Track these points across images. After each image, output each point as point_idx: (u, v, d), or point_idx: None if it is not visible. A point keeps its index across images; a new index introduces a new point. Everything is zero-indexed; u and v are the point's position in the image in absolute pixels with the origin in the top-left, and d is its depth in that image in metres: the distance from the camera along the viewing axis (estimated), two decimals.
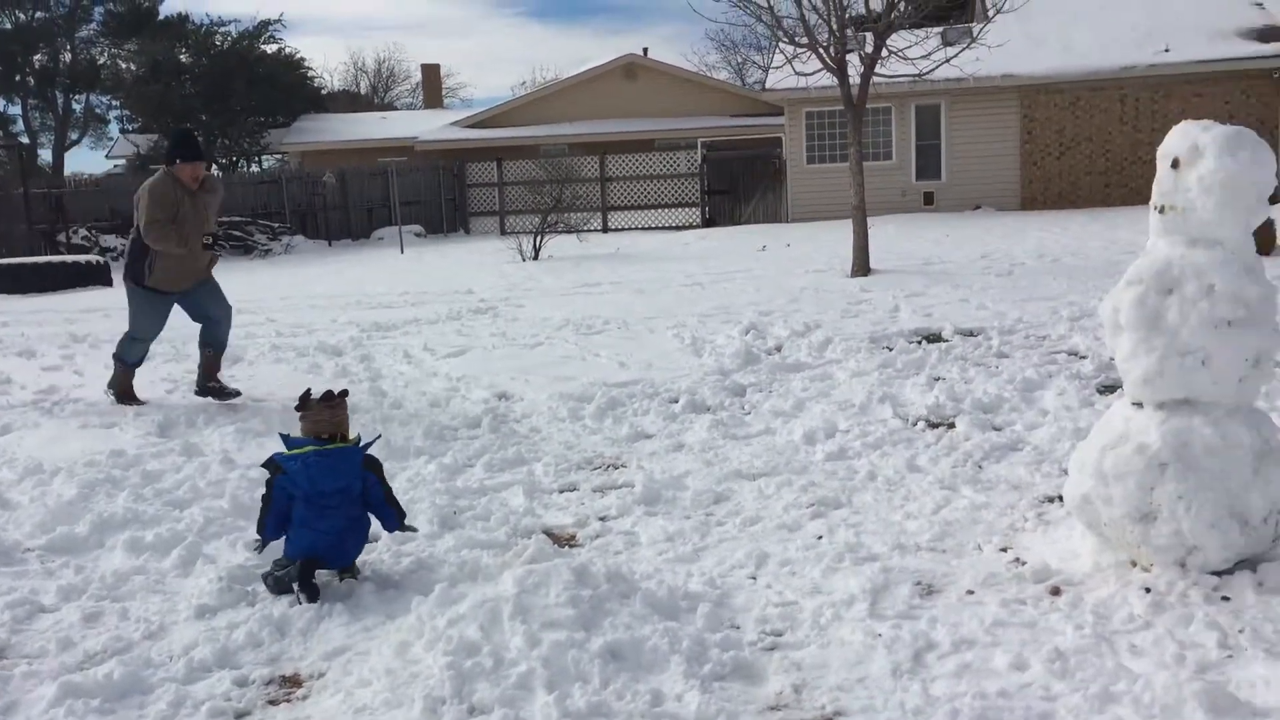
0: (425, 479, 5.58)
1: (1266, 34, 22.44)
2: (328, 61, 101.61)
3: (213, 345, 7.46)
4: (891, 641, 3.48)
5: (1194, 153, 3.75)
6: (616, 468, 5.83)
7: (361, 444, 4.37)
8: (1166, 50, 22.25)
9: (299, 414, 4.32)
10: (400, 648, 3.57)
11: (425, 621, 3.66)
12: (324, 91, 45.01)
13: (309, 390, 4.41)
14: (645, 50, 33.81)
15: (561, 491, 5.45)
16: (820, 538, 4.53)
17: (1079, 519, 4.10)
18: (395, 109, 50.65)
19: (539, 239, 19.37)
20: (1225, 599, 3.61)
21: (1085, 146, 22.96)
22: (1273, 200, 3.98)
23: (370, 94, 56.54)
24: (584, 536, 4.77)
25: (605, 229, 25.54)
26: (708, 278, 14.37)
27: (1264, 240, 13.04)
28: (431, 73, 44.64)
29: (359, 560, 4.34)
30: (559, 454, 6.10)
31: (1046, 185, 23.21)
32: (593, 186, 25.60)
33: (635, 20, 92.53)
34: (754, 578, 4.17)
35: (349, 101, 49.80)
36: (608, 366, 8.48)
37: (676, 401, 7.08)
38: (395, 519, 4.39)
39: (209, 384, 7.45)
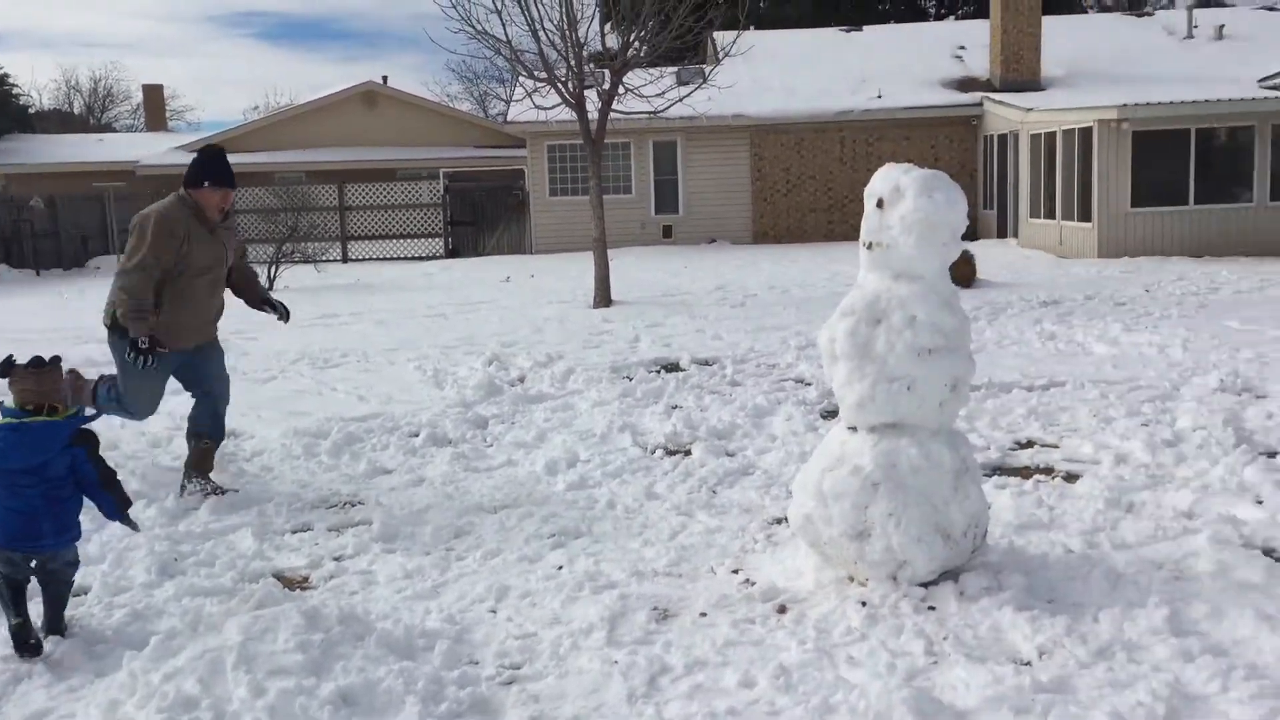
0: (143, 524, 5.23)
1: (965, 84, 24.54)
2: (36, 78, 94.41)
3: (209, 434, 5.87)
4: (628, 667, 3.53)
5: (895, 194, 4.04)
6: (353, 505, 5.66)
7: (77, 415, 3.95)
8: (879, 96, 23.93)
9: (6, 381, 3.90)
10: (109, 708, 3.32)
11: (138, 677, 3.42)
12: (31, 110, 41.78)
13: (11, 356, 3.99)
14: (385, 79, 33.28)
15: (295, 532, 5.24)
16: (560, 568, 4.55)
17: (802, 538, 4.30)
18: (114, 130, 47.63)
19: (274, 269, 18.66)
20: (931, 608, 3.87)
21: (810, 184, 24.32)
22: (970, 237, 4.34)
23: (85, 114, 52.94)
24: (318, 578, 4.60)
25: (345, 259, 24.89)
26: (451, 308, 14.26)
27: (966, 274, 14.20)
28: (154, 93, 42.33)
29: (66, 615, 4.00)
30: (292, 493, 5.86)
31: (776, 220, 24.42)
32: (331, 215, 24.91)
33: (373, 48, 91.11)
34: (494, 611, 4.14)
35: (61, 122, 46.51)
36: (346, 400, 8.25)
37: (417, 435, 6.97)
38: (114, 507, 3.97)
39: (200, 480, 5.77)
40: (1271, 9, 28.24)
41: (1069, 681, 3.30)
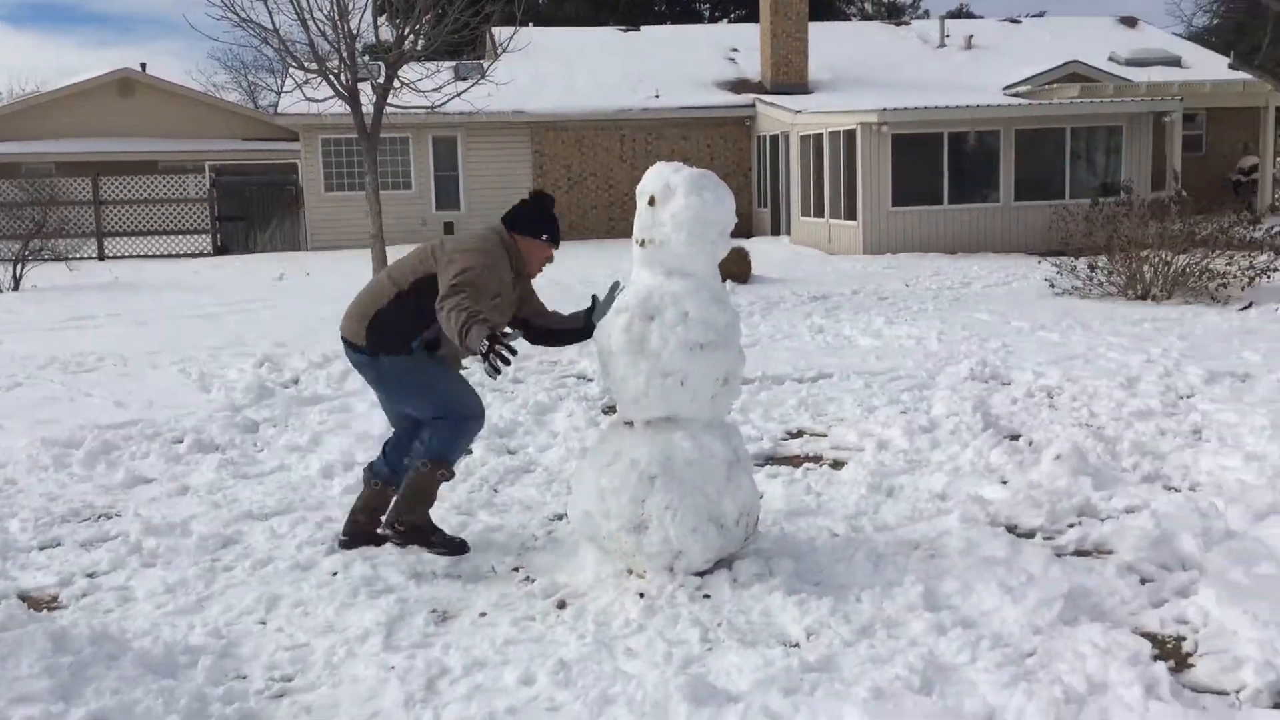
0: None
1: (738, 86, 25.28)
2: None
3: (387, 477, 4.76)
4: (405, 672, 3.47)
5: (666, 191, 4.12)
6: (109, 517, 5.33)
7: None
8: (657, 96, 24.36)
9: None
10: None
11: None
12: None
13: None
14: (143, 65, 31.48)
15: (42, 549, 4.88)
16: (335, 574, 4.42)
17: (582, 533, 4.34)
18: None
19: (19, 267, 17.33)
20: (706, 596, 3.98)
21: (592, 181, 24.51)
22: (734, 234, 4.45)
23: None
24: (68, 597, 4.30)
25: (101, 257, 23.36)
26: (220, 308, 13.62)
27: (741, 270, 14.65)
28: None
29: None
30: (40, 507, 5.46)
31: (559, 217, 24.49)
32: (86, 210, 23.34)
33: (128, 33, 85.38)
34: (264, 622, 3.98)
35: None
36: (101, 407, 7.75)
37: (181, 441, 6.62)
38: None
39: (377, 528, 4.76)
40: (1015, 21, 30.37)
41: (834, 660, 3.45)
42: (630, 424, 4.30)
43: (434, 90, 13.81)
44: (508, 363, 3.95)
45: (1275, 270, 11.97)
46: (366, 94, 13.63)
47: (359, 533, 4.75)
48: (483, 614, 3.95)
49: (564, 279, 16.10)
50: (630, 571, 4.18)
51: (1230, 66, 14.92)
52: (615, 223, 24.38)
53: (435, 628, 3.86)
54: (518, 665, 3.46)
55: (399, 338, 4.54)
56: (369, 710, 3.28)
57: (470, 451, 5.59)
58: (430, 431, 4.58)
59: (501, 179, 24.21)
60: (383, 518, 4.73)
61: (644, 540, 4.10)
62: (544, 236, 4.75)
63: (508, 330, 4.25)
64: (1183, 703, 3.12)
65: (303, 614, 4.04)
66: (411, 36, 13.67)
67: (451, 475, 4.74)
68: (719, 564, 4.17)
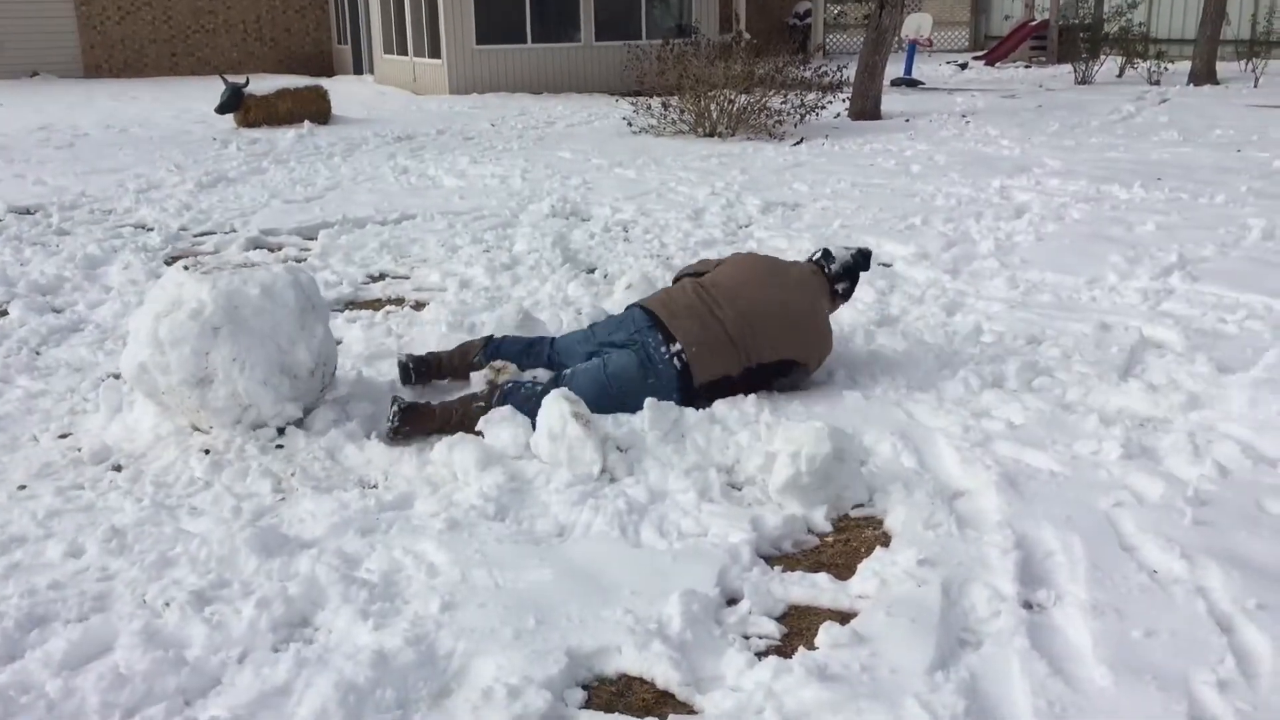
0: None
1: None
2: None
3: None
4: None
5: None
6: None
7: None
8: None
9: None
10: None
11: None
12: None
13: None
14: None
15: None
16: None
17: (138, 389, 4.00)
18: None
19: None
20: (279, 447, 3.82)
21: (146, 11, 22.14)
22: None
23: None
24: None
25: None
26: None
27: (321, 109, 13.95)
28: None
29: None
30: None
31: (110, 52, 22.01)
32: None
33: None
34: None
35: None
36: None
37: None
38: None
39: None
40: None
41: (411, 497, 3.44)
42: (188, 268, 3.98)
43: None
44: None
45: (822, 108, 13.05)
46: None
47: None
48: (21, 487, 3.56)
49: (117, 119, 14.60)
50: (195, 428, 3.93)
51: None
52: (179, 59, 22.30)
53: None
54: (63, 538, 3.16)
55: None
56: None
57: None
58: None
59: (38, 6, 21.33)
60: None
61: (209, 395, 3.85)
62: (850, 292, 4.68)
63: None
64: (730, 502, 3.41)
65: None
66: None
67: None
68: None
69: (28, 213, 8.20)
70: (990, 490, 3.40)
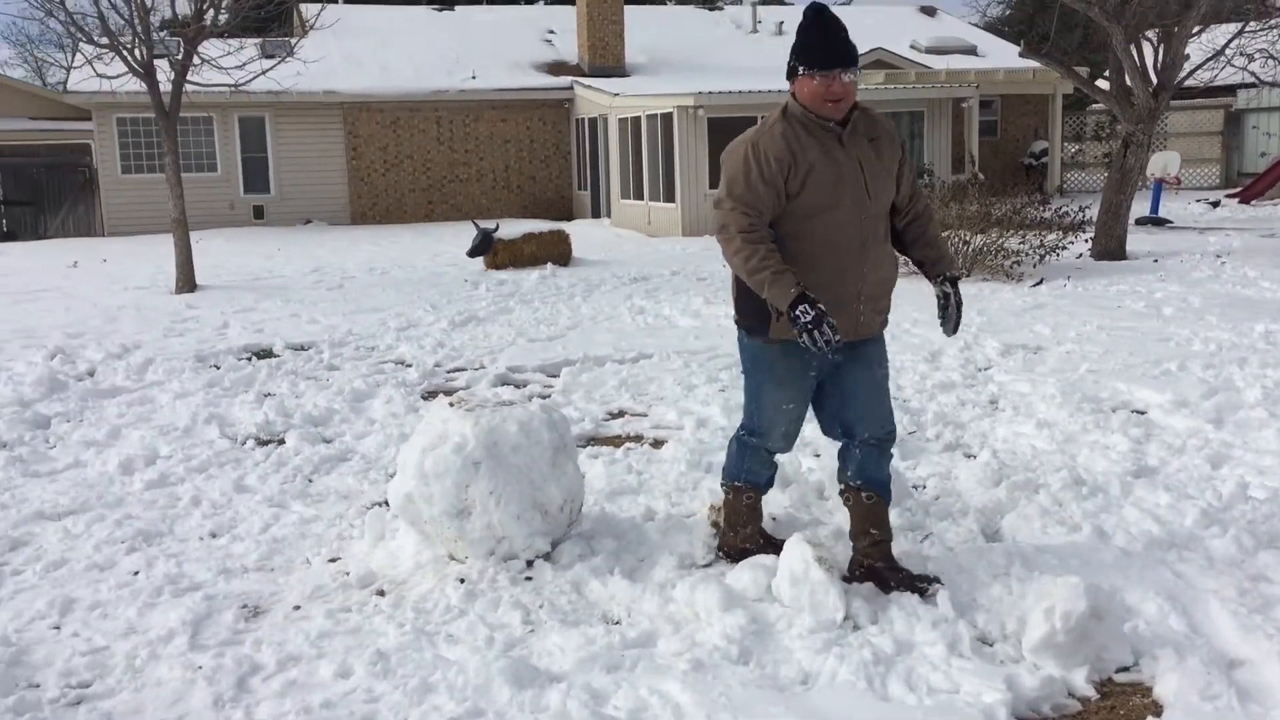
0: None
1: (556, 68, 25.21)
2: None
3: (870, 483, 3.82)
4: (213, 672, 3.32)
5: None
6: None
7: None
8: (474, 77, 24.05)
9: None
10: None
11: None
12: None
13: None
14: None
15: None
16: (137, 573, 4.20)
17: (403, 519, 4.25)
18: None
19: None
20: (529, 579, 3.96)
21: (408, 164, 24.03)
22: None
23: None
24: None
25: None
26: (6, 298, 12.75)
27: (563, 252, 14.64)
28: None
29: None
30: None
31: (375, 201, 23.93)
32: None
33: None
34: (58, 627, 3.75)
35: None
36: None
37: None
38: None
39: (885, 568, 3.81)
40: None
41: (655, 635, 3.48)
42: (453, 405, 4.24)
43: (237, 68, 13.25)
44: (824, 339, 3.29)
45: (1063, 249, 12.72)
46: (164, 71, 12.96)
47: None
48: (296, 607, 3.82)
49: (379, 263, 15.78)
50: (451, 558, 4.12)
51: (1020, 55, 15.72)
52: (434, 206, 24.01)
53: (245, 624, 3.71)
54: (333, 658, 3.37)
55: (750, 303, 3.66)
56: (175, 713, 3.13)
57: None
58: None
59: (314, 161, 23.52)
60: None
61: (467, 525, 4.05)
62: (800, 71, 3.59)
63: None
64: (982, 658, 3.28)
65: (101, 616, 3.82)
66: (211, 11, 13.06)
67: (749, 498, 4.06)
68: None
69: (302, 349, 8.93)
70: (1274, 661, 3.14)
